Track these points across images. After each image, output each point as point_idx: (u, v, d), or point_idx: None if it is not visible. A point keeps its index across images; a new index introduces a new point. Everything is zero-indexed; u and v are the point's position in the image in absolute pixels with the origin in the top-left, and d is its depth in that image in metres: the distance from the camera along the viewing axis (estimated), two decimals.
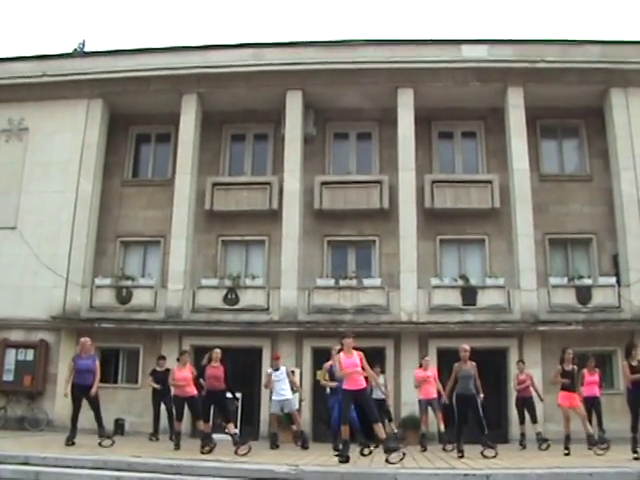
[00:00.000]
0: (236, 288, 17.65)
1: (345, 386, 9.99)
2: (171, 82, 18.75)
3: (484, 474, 8.40)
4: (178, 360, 13.32)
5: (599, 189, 18.59)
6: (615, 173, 18.09)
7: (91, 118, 19.00)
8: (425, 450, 12.70)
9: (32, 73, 19.06)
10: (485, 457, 10.84)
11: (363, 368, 10.10)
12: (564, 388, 12.19)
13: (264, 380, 14.19)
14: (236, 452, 10.84)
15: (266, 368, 16.96)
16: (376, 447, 10.29)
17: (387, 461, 9.32)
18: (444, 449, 12.69)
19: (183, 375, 12.69)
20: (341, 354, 10.11)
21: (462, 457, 10.84)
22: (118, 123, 19.66)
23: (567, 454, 11.58)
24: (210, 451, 11.01)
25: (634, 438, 10.81)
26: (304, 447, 13.04)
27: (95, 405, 12.17)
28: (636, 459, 10.36)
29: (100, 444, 11.80)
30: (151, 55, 19.07)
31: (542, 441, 13.53)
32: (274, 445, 13.20)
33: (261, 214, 18.55)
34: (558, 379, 12.25)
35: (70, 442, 11.69)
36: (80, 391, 12.04)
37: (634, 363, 11.06)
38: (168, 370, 14.51)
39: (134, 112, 19.54)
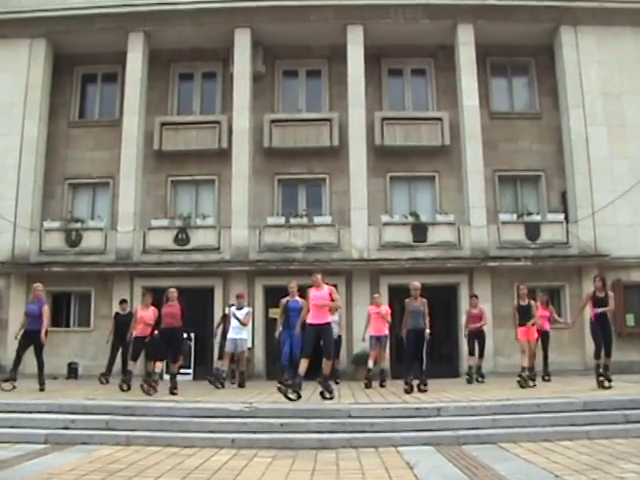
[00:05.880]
0: (187, 228, 17.51)
1: (309, 320, 9.99)
2: (117, 20, 18.21)
3: (435, 407, 8.61)
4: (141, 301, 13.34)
5: (548, 127, 18.71)
6: (564, 111, 18.23)
7: (34, 58, 18.39)
8: (370, 386, 12.56)
9: None
10: (421, 391, 11.05)
11: (333, 300, 10.15)
12: (521, 323, 12.51)
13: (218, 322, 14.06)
14: (171, 392, 10.92)
15: (218, 308, 17.03)
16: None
17: (321, 395, 9.71)
18: (381, 385, 12.71)
19: (147, 315, 12.56)
20: (312, 290, 10.15)
21: (410, 392, 10.93)
22: (63, 63, 19.08)
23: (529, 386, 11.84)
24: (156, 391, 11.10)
25: (598, 365, 11.12)
26: (240, 386, 13.03)
27: (37, 351, 12.01)
28: (607, 387, 10.72)
29: (41, 388, 11.76)
30: None
31: (480, 376, 13.92)
32: (219, 383, 13.00)
33: (210, 153, 18.29)
34: (515, 315, 12.68)
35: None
36: (27, 336, 11.98)
37: (600, 295, 11.23)
38: (131, 313, 14.37)
39: (79, 51, 18.94)
